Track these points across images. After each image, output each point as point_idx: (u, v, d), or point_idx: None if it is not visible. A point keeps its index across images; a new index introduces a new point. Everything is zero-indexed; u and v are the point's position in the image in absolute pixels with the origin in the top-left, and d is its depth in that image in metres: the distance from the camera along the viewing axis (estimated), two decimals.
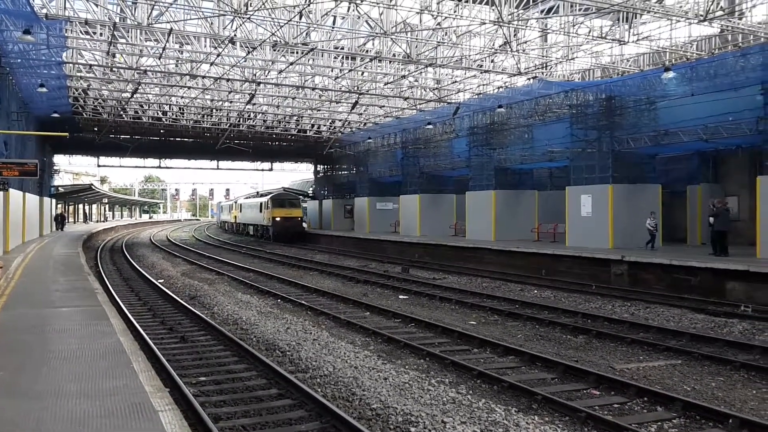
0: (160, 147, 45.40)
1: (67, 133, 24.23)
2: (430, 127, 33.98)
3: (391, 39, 20.76)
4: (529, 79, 25.32)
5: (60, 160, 52.69)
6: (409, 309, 15.96)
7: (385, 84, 27.46)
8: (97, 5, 18.40)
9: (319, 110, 34.66)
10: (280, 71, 24.84)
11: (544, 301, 17.15)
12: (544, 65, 24.39)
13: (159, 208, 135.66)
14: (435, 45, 21.91)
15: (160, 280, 20.90)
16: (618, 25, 20.65)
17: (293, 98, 31.14)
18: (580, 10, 19.03)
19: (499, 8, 17.77)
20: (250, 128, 39.62)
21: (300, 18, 19.14)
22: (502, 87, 27.53)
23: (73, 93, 29.95)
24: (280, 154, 50.66)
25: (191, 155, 48.74)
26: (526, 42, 23.17)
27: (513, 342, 12.02)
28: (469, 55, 23.12)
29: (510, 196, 30.09)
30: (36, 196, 34.01)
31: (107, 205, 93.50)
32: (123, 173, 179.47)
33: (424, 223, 36.21)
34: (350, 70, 25.37)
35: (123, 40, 20.92)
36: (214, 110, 35.80)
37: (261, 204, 48.43)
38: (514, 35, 21.57)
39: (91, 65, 24.50)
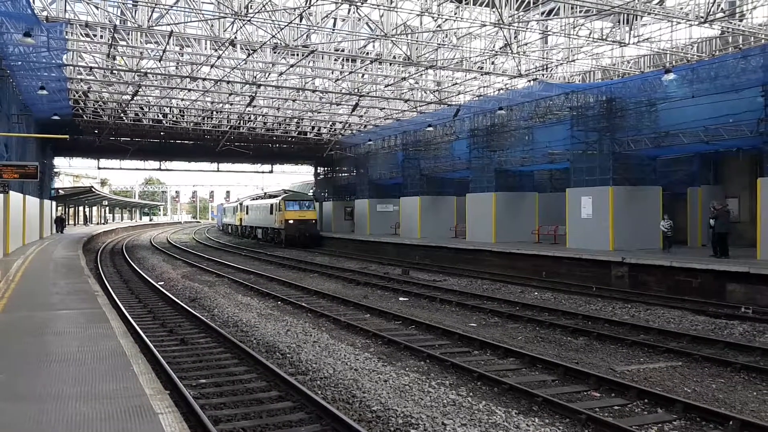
0: (161, 149, 45.38)
1: (67, 136, 24.30)
2: (431, 129, 33.99)
3: (392, 41, 20.77)
4: (529, 81, 25.32)
5: (60, 162, 52.73)
6: (409, 311, 15.95)
7: (386, 86, 27.46)
8: (97, 8, 18.40)
9: (320, 112, 34.65)
10: (281, 73, 24.85)
11: (544, 303, 17.14)
12: (545, 67, 24.39)
13: (159, 210, 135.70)
14: (435, 47, 21.91)
15: (160, 283, 20.89)
16: (618, 26, 20.64)
17: (293, 100, 31.13)
18: (580, 11, 19.02)
19: (499, 10, 17.77)
20: (250, 130, 39.62)
21: (300, 20, 19.14)
22: (502, 89, 27.52)
23: (74, 95, 29.97)
24: (280, 156, 50.65)
25: (191, 157, 48.74)
26: (526, 44, 23.17)
27: (513, 344, 12.01)
28: (470, 57, 23.13)
29: (510, 198, 30.10)
30: (36, 199, 34.03)
31: (107, 208, 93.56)
32: (123, 175, 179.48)
33: (424, 225, 36.22)
34: (350, 72, 25.38)
35: (123, 43, 20.93)
36: (215, 112, 35.80)
37: (272, 205, 45.09)
38: (515, 37, 21.57)
39: (91, 68, 24.50)
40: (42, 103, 27.95)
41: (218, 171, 53.12)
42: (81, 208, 77.92)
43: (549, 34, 23.02)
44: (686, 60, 21.83)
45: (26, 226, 29.29)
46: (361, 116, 35.72)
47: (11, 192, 22.97)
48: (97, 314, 10.69)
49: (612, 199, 23.42)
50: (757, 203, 19.34)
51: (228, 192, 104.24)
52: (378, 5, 18.45)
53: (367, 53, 23.33)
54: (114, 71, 25.16)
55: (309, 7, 18.38)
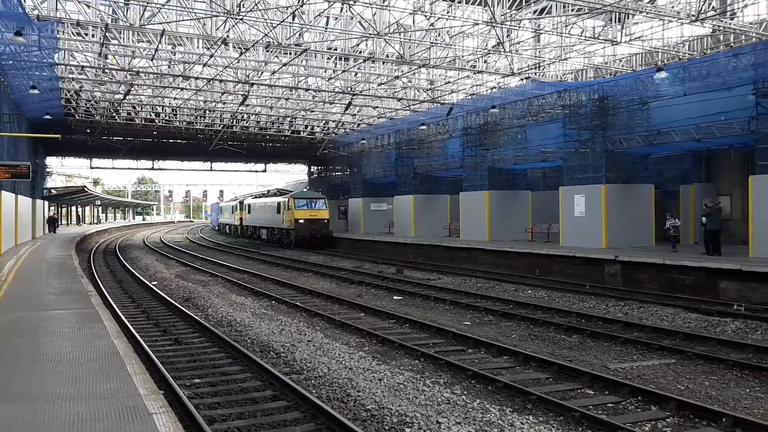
0: (153, 148, 45.28)
1: (59, 135, 24.20)
2: (424, 127, 34.03)
3: (385, 40, 20.76)
4: (522, 79, 25.37)
5: (52, 161, 52.63)
6: (403, 310, 15.96)
7: (379, 85, 27.46)
8: (88, 6, 18.32)
9: (313, 111, 34.62)
10: (273, 72, 24.81)
11: (538, 301, 17.18)
12: (537, 65, 24.44)
13: (152, 209, 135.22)
14: (428, 45, 21.93)
15: (153, 282, 20.83)
16: (610, 25, 20.71)
17: (286, 99, 31.10)
18: (572, 10, 19.07)
19: (491, 9, 17.80)
20: (243, 129, 39.54)
21: (293, 19, 19.12)
22: (495, 87, 27.57)
23: (66, 94, 29.84)
24: (273, 155, 50.62)
25: (184, 157, 48.67)
26: (519, 42, 23.21)
27: (507, 342, 12.04)
28: (463, 56, 23.15)
29: (504, 196, 30.16)
30: (28, 199, 33.86)
31: (100, 207, 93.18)
32: (116, 175, 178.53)
33: (418, 224, 36.25)
34: (343, 71, 25.36)
35: (115, 42, 20.84)
36: (207, 111, 35.72)
37: (279, 204, 42.02)
38: (507, 36, 21.61)
39: (83, 66, 24.39)
40: (33, 103, 27.81)
41: (211, 170, 53.10)
42: (73, 208, 77.54)
43: (541, 33, 23.09)
44: (678, 58, 21.92)
45: (18, 226, 29.15)
46: (355, 115, 35.71)
47: (3, 192, 22.88)
48: (91, 314, 10.66)
49: (605, 197, 23.51)
50: (749, 201, 19.44)
51: (221, 191, 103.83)
52: (371, 4, 18.44)
53: (360, 52, 23.34)
54: (106, 70, 25.06)
55: (301, 6, 18.35)
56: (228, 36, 19.86)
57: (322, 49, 22.62)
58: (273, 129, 39.77)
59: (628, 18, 19.82)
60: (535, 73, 24.59)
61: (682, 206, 25.59)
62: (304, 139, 42.76)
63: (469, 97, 28.77)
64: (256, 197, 53.43)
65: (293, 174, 62.49)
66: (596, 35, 20.66)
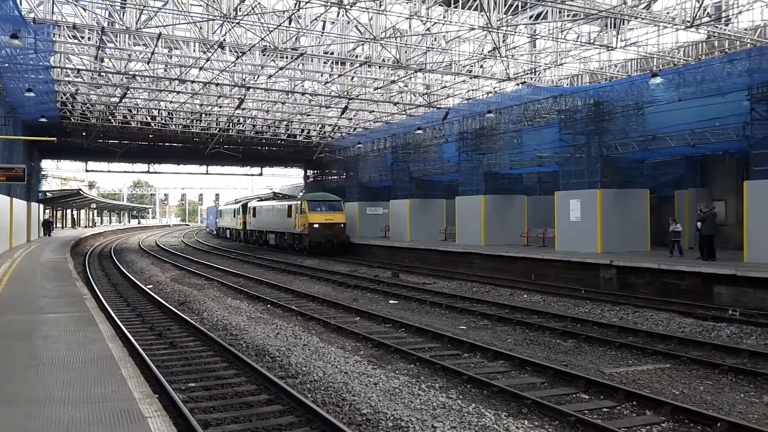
0: (149, 152, 45.18)
1: (54, 138, 24.13)
2: (420, 132, 34.06)
3: (381, 44, 20.79)
4: (518, 84, 25.42)
5: (48, 165, 52.31)
6: (399, 314, 15.96)
7: (375, 89, 27.49)
8: (85, 9, 18.31)
9: (309, 115, 34.61)
10: (270, 76, 24.81)
11: (533, 305, 17.20)
12: (533, 71, 24.51)
13: (148, 213, 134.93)
14: (424, 50, 21.97)
15: (149, 286, 20.78)
16: (606, 31, 20.78)
17: (283, 103, 31.09)
18: (568, 15, 19.16)
19: (487, 14, 17.86)
20: (239, 133, 39.53)
21: (289, 23, 19.15)
22: (491, 92, 27.62)
23: (61, 98, 29.79)
24: (269, 159, 50.55)
25: (180, 160, 48.57)
26: (514, 47, 23.26)
27: (503, 346, 12.05)
28: (459, 61, 23.19)
29: (499, 200, 30.20)
30: (23, 202, 33.76)
31: (96, 211, 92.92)
32: (111, 178, 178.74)
33: (414, 228, 36.24)
34: (340, 75, 25.38)
35: (111, 45, 20.83)
36: (203, 115, 35.71)
37: (290, 207, 39.39)
38: (503, 41, 21.66)
39: (79, 70, 24.36)
40: (29, 105, 27.74)
41: (207, 174, 52.95)
42: (69, 211, 77.33)
43: (537, 38, 23.13)
44: (673, 64, 22.01)
45: (13, 229, 29.05)
46: (351, 119, 35.71)
47: None
48: (86, 318, 10.62)
49: (600, 202, 23.56)
50: (744, 206, 19.51)
51: (217, 195, 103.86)
52: (367, 8, 18.49)
53: (357, 56, 23.35)
54: (102, 73, 25.01)
55: (298, 10, 18.37)
56: (224, 40, 19.86)
57: (318, 53, 22.63)
58: (269, 133, 39.76)
59: (623, 24, 19.89)
60: (531, 78, 24.66)
61: (677, 211, 25.66)
62: (301, 142, 42.76)
63: (465, 101, 28.82)
64: (262, 200, 51.14)
65: (290, 178, 62.54)
66: (592, 41, 20.73)
